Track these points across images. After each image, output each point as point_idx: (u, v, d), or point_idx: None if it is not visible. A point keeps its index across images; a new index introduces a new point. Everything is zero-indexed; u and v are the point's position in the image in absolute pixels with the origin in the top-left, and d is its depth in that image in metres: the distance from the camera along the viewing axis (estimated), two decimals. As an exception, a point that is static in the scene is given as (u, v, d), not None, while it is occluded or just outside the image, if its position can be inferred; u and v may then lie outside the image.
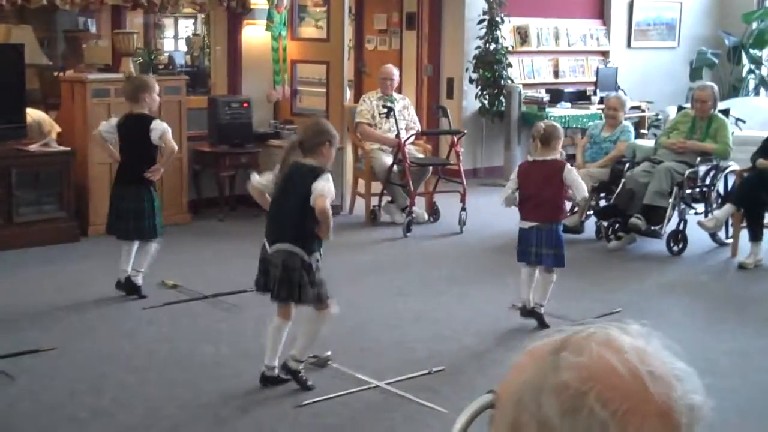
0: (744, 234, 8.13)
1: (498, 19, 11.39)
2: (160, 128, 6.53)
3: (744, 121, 11.06)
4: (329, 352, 5.48)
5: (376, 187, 9.43)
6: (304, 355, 5.12)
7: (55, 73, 9.54)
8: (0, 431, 4.64)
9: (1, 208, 7.89)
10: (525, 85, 11.89)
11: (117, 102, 8.46)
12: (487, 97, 11.58)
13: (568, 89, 12.37)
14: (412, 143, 9.37)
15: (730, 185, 8.78)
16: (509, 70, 11.63)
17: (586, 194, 6.38)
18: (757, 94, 14.07)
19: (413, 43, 12.36)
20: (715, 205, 8.53)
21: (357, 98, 11.08)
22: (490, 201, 10.39)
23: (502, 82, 11.51)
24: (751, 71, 14.11)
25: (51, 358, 5.51)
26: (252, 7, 9.75)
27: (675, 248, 8.27)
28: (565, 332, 1.12)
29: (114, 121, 6.72)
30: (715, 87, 8.71)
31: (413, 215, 8.97)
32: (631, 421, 1.02)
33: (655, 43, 13.90)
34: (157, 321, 6.25)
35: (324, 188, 4.85)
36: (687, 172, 8.26)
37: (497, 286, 7.23)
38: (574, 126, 11.90)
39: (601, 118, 10.36)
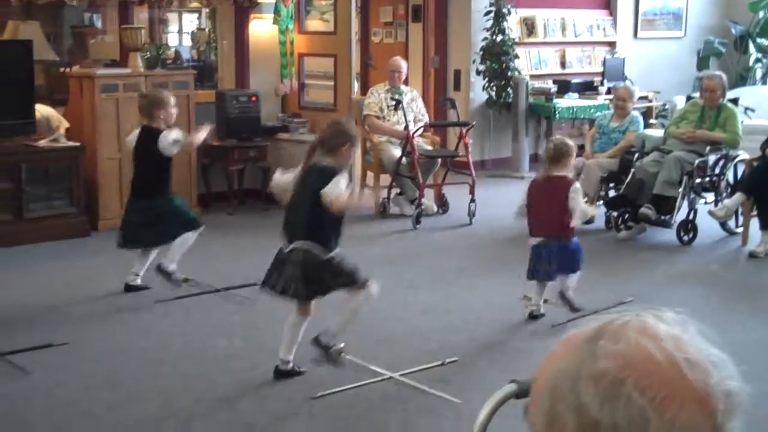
0: (754, 222, 8.12)
1: (505, 10, 11.38)
2: (167, 138, 6.47)
3: (753, 110, 11.04)
4: (342, 344, 5.48)
5: (385, 179, 9.44)
6: (339, 334, 5.11)
7: (61, 69, 9.55)
8: (16, 426, 4.66)
9: (11, 204, 7.91)
10: (532, 77, 11.89)
11: (125, 97, 8.51)
12: (494, 88, 11.57)
13: (575, 80, 12.36)
14: (421, 135, 9.37)
15: (739, 174, 8.78)
16: (516, 61, 11.62)
17: (584, 216, 6.35)
18: (764, 83, 14.03)
19: (419, 35, 12.34)
20: (724, 195, 8.52)
21: (363, 91, 11.07)
22: (498, 192, 10.42)
23: (509, 73, 11.50)
24: (758, 60, 14.08)
25: (64, 353, 5.52)
26: (259, 0, 9.75)
27: (685, 238, 8.27)
28: (600, 321, 1.13)
29: (137, 131, 6.71)
30: (724, 76, 8.70)
31: (422, 207, 8.98)
32: (669, 407, 1.03)
33: (661, 33, 13.88)
34: (169, 315, 6.27)
35: (333, 193, 4.85)
36: (696, 161, 8.25)
37: (508, 276, 7.22)
38: (582, 117, 11.91)
39: (608, 109, 10.36)
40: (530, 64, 12.32)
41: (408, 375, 5.20)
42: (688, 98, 9.99)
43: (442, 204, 9.52)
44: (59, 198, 8.19)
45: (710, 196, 8.57)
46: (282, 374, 5.14)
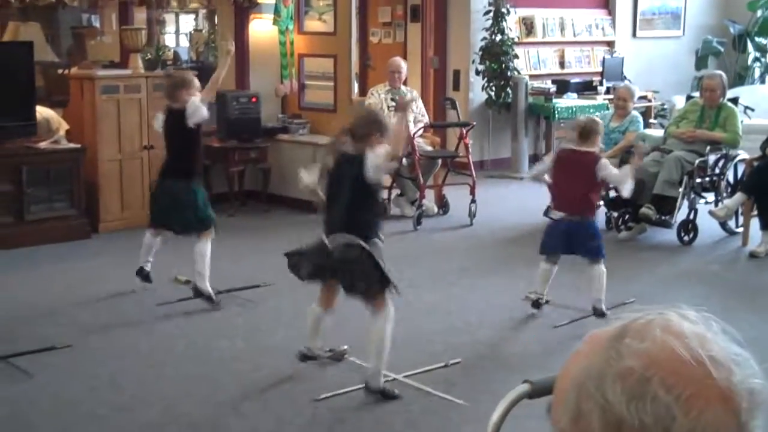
0: (754, 222, 8.14)
1: (504, 10, 11.38)
2: (193, 104, 6.29)
3: (753, 110, 11.05)
4: (346, 346, 5.50)
5: (386, 180, 9.42)
6: (380, 365, 4.90)
7: (60, 70, 9.55)
8: (21, 428, 4.66)
9: (12, 206, 7.90)
10: (531, 76, 11.90)
11: (126, 98, 8.51)
12: (493, 88, 11.58)
13: (575, 80, 12.37)
14: (421, 136, 9.38)
15: (740, 174, 8.79)
16: (515, 61, 11.63)
17: (626, 188, 6.30)
18: (762, 82, 14.05)
19: (418, 35, 12.34)
20: (725, 194, 8.53)
21: (362, 91, 11.08)
22: (498, 193, 10.44)
23: (509, 73, 11.51)
24: (756, 59, 14.10)
25: (67, 355, 5.52)
26: (259, 1, 9.75)
27: (686, 238, 8.28)
28: (624, 319, 1.13)
29: (161, 116, 6.60)
30: (724, 76, 8.71)
31: (423, 208, 8.98)
32: (694, 405, 1.03)
33: (660, 33, 13.89)
34: (172, 317, 6.26)
35: (374, 152, 4.81)
36: (697, 161, 8.27)
37: (509, 277, 7.24)
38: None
39: (608, 108, 10.38)
40: (529, 63, 12.33)
41: (411, 376, 5.20)
42: (688, 98, 9.99)
43: (443, 205, 9.53)
44: (60, 200, 8.18)
45: (710, 196, 8.58)
46: (306, 357, 5.21)
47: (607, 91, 11.97)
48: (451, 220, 9.24)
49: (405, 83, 9.89)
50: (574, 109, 11.68)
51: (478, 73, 11.61)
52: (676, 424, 1.02)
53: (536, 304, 6.30)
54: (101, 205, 8.47)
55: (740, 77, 13.73)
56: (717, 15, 14.35)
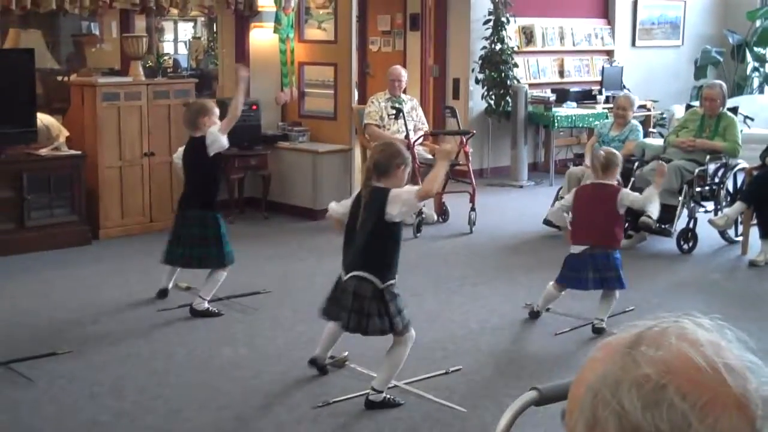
0: (754, 231, 8.16)
1: (503, 19, 11.41)
2: (213, 134, 6.30)
3: (752, 119, 11.07)
4: (347, 353, 5.51)
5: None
6: (384, 385, 4.95)
7: (60, 78, 9.56)
8: (23, 434, 4.67)
9: (12, 213, 7.91)
10: (531, 85, 11.92)
11: (126, 105, 8.52)
12: (493, 97, 11.61)
13: (574, 89, 12.40)
14: (421, 144, 9.39)
15: (739, 183, 8.81)
16: (515, 70, 11.65)
17: (653, 209, 6.34)
18: (761, 91, 14.08)
19: (417, 44, 12.38)
20: (724, 203, 8.56)
21: (361, 99, 11.10)
22: (498, 201, 10.46)
23: (508, 82, 11.54)
24: (755, 69, 14.13)
25: (69, 361, 5.53)
26: (259, 9, 9.77)
27: (685, 246, 8.30)
28: (638, 327, 1.14)
29: (182, 148, 6.60)
30: (724, 85, 8.74)
31: (423, 216, 8.99)
32: (710, 413, 1.04)
33: (659, 42, 13.92)
34: (172, 323, 6.27)
35: (403, 191, 4.80)
36: (696, 170, 8.30)
37: (510, 285, 7.26)
38: (581, 126, 11.94)
39: (607, 117, 10.40)
40: (529, 72, 12.35)
41: (413, 384, 5.21)
42: (688, 107, 10.02)
43: (443, 213, 9.54)
44: (60, 206, 8.19)
45: (710, 205, 8.61)
46: (314, 362, 5.24)
47: (607, 100, 12.00)
48: (451, 228, 9.26)
49: (405, 91, 9.91)
50: (573, 118, 11.70)
51: (477, 81, 11.64)
52: (692, 431, 1.03)
53: (534, 314, 6.34)
54: (101, 211, 8.48)
55: (739, 87, 13.76)
56: (716, 25, 14.39)
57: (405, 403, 4.98)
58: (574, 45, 12.89)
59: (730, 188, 8.80)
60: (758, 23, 14.00)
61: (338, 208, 5.17)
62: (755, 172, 8.28)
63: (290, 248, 8.43)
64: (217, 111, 6.47)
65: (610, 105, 10.76)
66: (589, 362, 1.16)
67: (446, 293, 7.03)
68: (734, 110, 9.27)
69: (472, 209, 9.06)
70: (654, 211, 6.36)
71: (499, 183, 11.45)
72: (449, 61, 12.00)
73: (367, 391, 4.99)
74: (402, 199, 4.77)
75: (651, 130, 11.88)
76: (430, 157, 9.51)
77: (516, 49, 11.84)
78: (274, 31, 9.74)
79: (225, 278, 6.45)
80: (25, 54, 8.13)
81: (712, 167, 8.48)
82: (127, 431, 4.69)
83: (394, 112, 9.20)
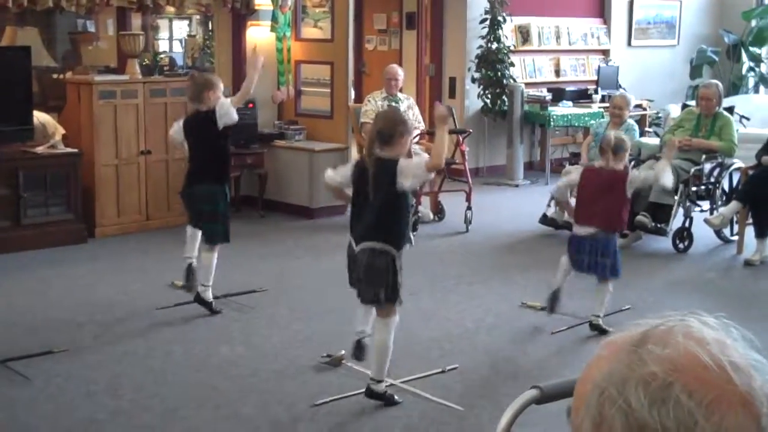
0: (749, 231, 8.17)
1: (500, 18, 11.42)
2: (224, 106, 6.22)
3: (748, 119, 11.09)
4: (343, 352, 5.51)
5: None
6: (381, 373, 4.94)
7: (55, 75, 9.54)
8: (20, 432, 4.67)
9: (8, 210, 7.90)
10: (527, 84, 11.93)
11: (123, 104, 8.51)
12: (489, 96, 11.61)
13: (570, 88, 12.41)
14: (417, 143, 9.38)
15: (735, 182, 8.83)
16: (511, 69, 11.66)
17: (666, 179, 6.33)
18: (756, 91, 14.10)
19: (413, 43, 12.39)
20: (720, 203, 8.58)
21: (357, 98, 11.10)
22: (494, 199, 10.46)
23: (505, 81, 11.54)
24: (751, 69, 14.14)
25: (65, 359, 5.52)
26: (256, 8, 9.77)
27: (681, 246, 8.32)
28: (644, 325, 1.14)
29: (181, 122, 6.52)
30: (720, 85, 8.76)
31: (419, 214, 9.00)
32: (716, 410, 1.04)
33: (655, 42, 13.94)
34: (169, 321, 6.26)
35: (412, 163, 4.80)
36: (692, 169, 8.32)
37: (506, 284, 7.27)
38: (576, 125, 11.94)
39: (602, 117, 10.41)
40: (525, 72, 12.36)
41: (409, 382, 5.21)
42: (684, 106, 10.03)
43: (439, 211, 9.55)
44: (57, 204, 8.18)
45: (706, 204, 8.62)
46: (375, 396, 4.99)
47: (602, 100, 12.01)
48: (447, 227, 9.26)
49: (401, 90, 9.91)
50: (569, 117, 11.71)
51: (473, 80, 11.64)
52: (698, 428, 1.04)
53: (554, 296, 6.25)
54: (98, 209, 8.47)
55: (735, 87, 13.77)
56: (712, 25, 14.41)
57: (402, 402, 4.98)
58: (570, 44, 12.90)
59: (726, 188, 8.82)
60: (754, 23, 14.02)
61: (335, 176, 5.13)
62: (751, 172, 8.29)
63: (286, 247, 8.43)
64: (221, 86, 6.41)
65: (606, 104, 10.77)
66: (595, 360, 1.16)
67: (442, 292, 7.03)
68: (730, 110, 9.28)
69: (468, 208, 9.06)
70: (668, 182, 6.33)
71: (495, 182, 11.46)
72: (445, 60, 12.00)
73: (363, 390, 5.00)
74: (412, 170, 4.77)
75: (647, 129, 11.90)
76: (426, 156, 9.51)
77: (512, 48, 11.84)
78: (271, 30, 9.74)
79: (222, 277, 6.43)
80: (21, 51, 8.12)
81: (707, 167, 8.50)
82: (124, 430, 4.69)
83: (390, 110, 9.19)
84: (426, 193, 9.39)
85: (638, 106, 12.04)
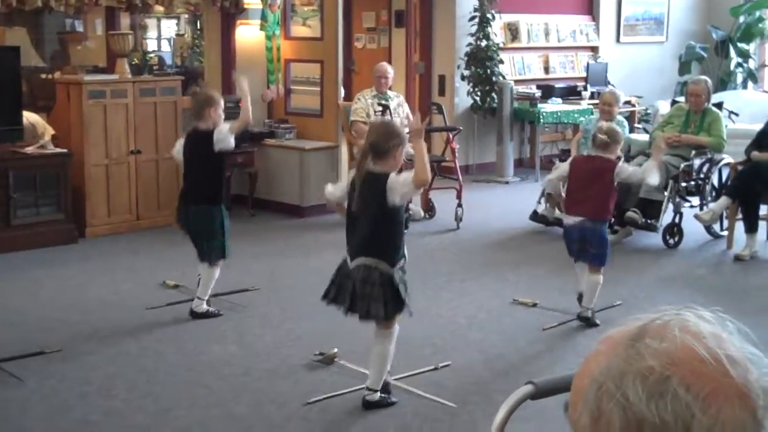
0: (739, 226, 8.20)
1: (489, 15, 11.43)
2: (222, 131, 6.20)
3: (737, 114, 11.13)
4: (336, 350, 5.52)
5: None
6: (377, 383, 4.91)
7: (44, 75, 9.53)
8: (13, 433, 4.66)
9: (-2, 211, 7.88)
10: (516, 82, 11.95)
11: (112, 103, 8.50)
12: (478, 93, 11.63)
13: (559, 85, 12.44)
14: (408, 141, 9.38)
15: (724, 178, 8.86)
16: (500, 66, 11.68)
17: (652, 178, 6.33)
18: (745, 87, 14.15)
19: (402, 41, 12.38)
20: (709, 198, 8.61)
21: (347, 97, 11.09)
22: (484, 197, 10.48)
23: (494, 78, 11.56)
24: (739, 65, 14.19)
25: (58, 360, 5.51)
26: (245, 6, 9.76)
27: (671, 241, 8.34)
28: (641, 320, 1.15)
29: (182, 140, 6.49)
30: (709, 81, 8.78)
31: (410, 212, 9.00)
32: (713, 403, 1.05)
33: (643, 38, 13.97)
34: (161, 321, 6.26)
35: (399, 180, 4.74)
36: (682, 165, 8.34)
37: (497, 280, 7.28)
38: (566, 121, 11.97)
39: (592, 113, 10.44)
40: (514, 69, 12.38)
41: (402, 380, 5.22)
42: (673, 102, 10.06)
43: (429, 209, 9.56)
44: (47, 205, 8.16)
45: (695, 200, 8.65)
46: (370, 405, 4.93)
47: (592, 96, 12.04)
48: (438, 224, 9.27)
49: (390, 88, 9.91)
50: (558, 114, 11.74)
51: (463, 78, 11.66)
52: (695, 421, 1.05)
53: (581, 297, 6.29)
54: (88, 209, 8.46)
55: (723, 82, 13.82)
56: (700, 21, 14.45)
57: (399, 401, 4.98)
58: (559, 41, 12.92)
59: (716, 183, 8.85)
60: (741, 19, 14.07)
61: (335, 191, 5.11)
62: (740, 167, 8.32)
63: (277, 245, 8.43)
64: (222, 103, 6.39)
65: (596, 101, 10.80)
66: (593, 355, 1.17)
67: (434, 289, 7.04)
68: (719, 106, 9.31)
69: (459, 205, 9.07)
70: (654, 180, 6.34)
71: (485, 179, 11.47)
72: (435, 58, 12.02)
73: (357, 387, 5.01)
74: (400, 188, 4.73)
75: (636, 125, 11.93)
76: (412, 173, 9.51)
77: (501, 45, 11.86)
78: (261, 29, 9.73)
79: (213, 282, 6.41)
80: (10, 52, 8.09)
81: (697, 162, 8.52)
82: (117, 430, 4.69)
83: (380, 108, 9.19)
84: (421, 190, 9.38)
85: (627, 102, 12.08)
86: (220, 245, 6.33)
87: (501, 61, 11.67)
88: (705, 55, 13.89)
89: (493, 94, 11.58)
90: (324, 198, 5.29)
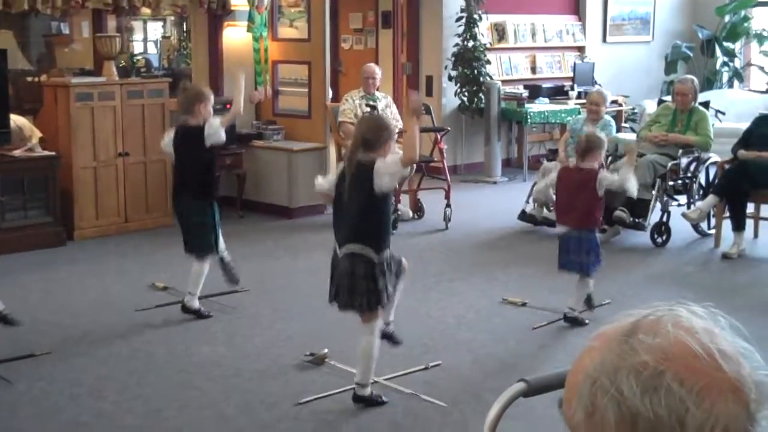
0: (726, 224, 8.23)
1: (476, 16, 11.45)
2: (212, 125, 6.19)
3: (724, 113, 11.18)
4: (326, 350, 5.52)
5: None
6: (366, 378, 4.93)
7: (30, 78, 9.51)
8: (4, 436, 4.65)
9: (-14, 214, 7.87)
10: (503, 82, 11.96)
11: (100, 106, 8.48)
12: (466, 94, 11.65)
13: (546, 85, 12.46)
14: (396, 141, 9.39)
15: (711, 176, 8.90)
16: (488, 66, 11.70)
17: (630, 186, 6.32)
18: (731, 86, 14.20)
19: (389, 41, 12.39)
20: (697, 197, 8.64)
21: (334, 98, 11.10)
22: (472, 197, 10.50)
23: (481, 79, 11.58)
24: (725, 64, 14.24)
25: (47, 362, 5.51)
26: (232, 8, 9.75)
27: (659, 240, 8.37)
28: (634, 316, 1.16)
29: (171, 133, 6.46)
30: (696, 80, 8.83)
31: (398, 212, 9.01)
32: (706, 397, 1.07)
33: (629, 38, 14.01)
34: (150, 323, 6.25)
35: (387, 161, 4.75)
36: (669, 164, 8.38)
37: (486, 280, 7.30)
38: (553, 121, 12.00)
39: (579, 113, 10.46)
40: (501, 69, 12.40)
41: (393, 379, 5.23)
42: (660, 102, 10.10)
43: (418, 209, 9.57)
44: (35, 208, 8.15)
45: (683, 199, 8.68)
46: (361, 399, 4.96)
47: (579, 96, 12.07)
48: (427, 225, 9.28)
49: (378, 89, 9.92)
50: (546, 113, 11.77)
51: (450, 78, 11.67)
52: (689, 415, 1.06)
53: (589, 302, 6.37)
54: (76, 212, 8.44)
55: (709, 82, 13.87)
56: (686, 20, 14.50)
57: (390, 401, 4.99)
58: (545, 41, 12.95)
59: (703, 182, 8.89)
60: (727, 18, 14.12)
61: (324, 183, 5.15)
62: (727, 166, 8.36)
63: (266, 247, 8.43)
64: (212, 99, 6.38)
65: (583, 101, 10.83)
66: (587, 351, 1.18)
67: (423, 290, 7.05)
68: (706, 105, 9.35)
69: (447, 205, 9.09)
70: (633, 188, 6.37)
71: (473, 179, 11.49)
72: (422, 59, 12.03)
73: (348, 387, 5.01)
74: (388, 169, 4.75)
75: (623, 125, 11.96)
76: (400, 153, 9.53)
77: (488, 45, 11.89)
78: (248, 30, 9.72)
79: (204, 277, 6.42)
80: (-3, 55, 8.08)
81: (684, 161, 8.56)
82: (108, 431, 4.68)
83: (368, 109, 9.20)
84: (405, 191, 9.41)
85: (614, 102, 12.10)
86: (211, 241, 6.33)
87: (488, 62, 11.69)
88: (691, 55, 13.94)
89: (481, 95, 11.60)
90: (314, 190, 5.30)
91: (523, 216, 8.92)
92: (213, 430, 4.72)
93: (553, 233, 7.35)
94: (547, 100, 12.11)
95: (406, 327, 6.15)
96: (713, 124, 8.85)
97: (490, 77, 11.72)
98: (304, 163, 9.53)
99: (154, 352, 5.72)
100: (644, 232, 8.37)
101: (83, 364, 5.51)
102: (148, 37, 12.46)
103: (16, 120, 8.19)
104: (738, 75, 14.28)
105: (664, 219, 8.43)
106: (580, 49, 13.34)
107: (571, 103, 11.99)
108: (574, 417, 1.15)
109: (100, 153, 8.55)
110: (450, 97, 11.79)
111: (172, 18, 11.10)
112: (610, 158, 8.59)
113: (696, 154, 8.59)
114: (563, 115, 11.61)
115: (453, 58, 11.58)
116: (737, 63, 14.36)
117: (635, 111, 13.04)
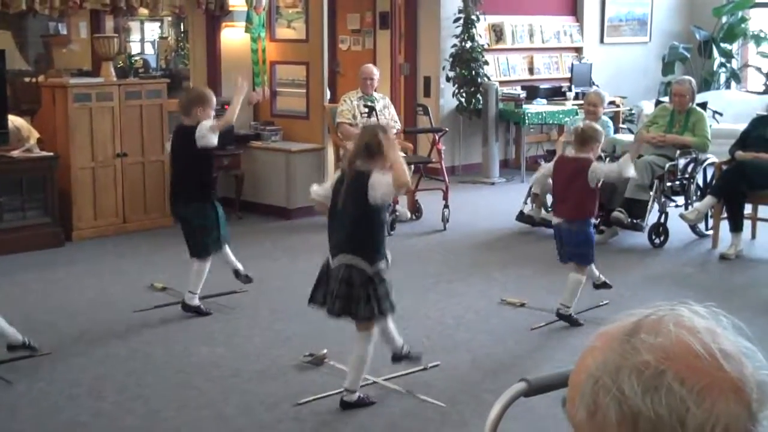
0: (724, 225, 8.25)
1: (473, 17, 11.46)
2: (204, 127, 6.16)
3: (721, 114, 11.19)
4: (325, 350, 5.53)
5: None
6: (355, 384, 4.94)
7: (28, 79, 9.50)
8: (3, 436, 4.66)
9: (-16, 215, 7.87)
10: (501, 83, 11.97)
11: (98, 106, 8.49)
12: (464, 95, 11.66)
13: (544, 86, 12.47)
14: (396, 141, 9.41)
15: (709, 177, 8.91)
16: (485, 67, 11.71)
17: (630, 169, 6.31)
18: (728, 87, 14.22)
19: (387, 42, 12.40)
20: (694, 198, 8.65)
21: (332, 98, 11.10)
22: (470, 198, 10.50)
23: (479, 79, 11.59)
24: (722, 65, 14.26)
25: (47, 363, 5.51)
26: (230, 9, 9.76)
27: (657, 241, 8.38)
28: (636, 316, 1.17)
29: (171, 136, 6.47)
30: (693, 81, 8.84)
31: (396, 213, 9.02)
32: (707, 396, 1.07)
33: (627, 39, 14.03)
34: (149, 324, 6.26)
35: (382, 179, 4.75)
36: (667, 165, 8.39)
37: (485, 281, 7.30)
38: (551, 122, 12.01)
39: (577, 114, 10.48)
40: (499, 70, 12.41)
41: (391, 380, 5.24)
42: (657, 103, 10.11)
43: (416, 210, 9.58)
44: (33, 208, 8.15)
45: (681, 200, 8.70)
46: (348, 405, 4.95)
47: (576, 97, 12.09)
48: (425, 225, 9.29)
49: (376, 90, 9.92)
50: (543, 114, 11.78)
51: (448, 79, 11.68)
52: (690, 414, 1.07)
53: (597, 285, 6.53)
54: (74, 213, 8.44)
55: (706, 82, 13.88)
56: (683, 21, 14.52)
57: (377, 402, 4.99)
58: (543, 42, 12.96)
59: (701, 183, 8.90)
60: (724, 19, 14.14)
61: (320, 190, 5.14)
62: (725, 167, 8.37)
63: (265, 248, 8.44)
64: (213, 103, 6.36)
65: (580, 101, 10.84)
66: (589, 350, 1.19)
67: (421, 290, 7.06)
68: (703, 105, 9.37)
69: (446, 206, 9.10)
70: (630, 172, 6.35)
71: (470, 180, 11.50)
72: (420, 59, 12.04)
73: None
74: (382, 186, 4.76)
75: (620, 126, 11.97)
76: (402, 154, 9.50)
77: (486, 46, 11.90)
78: (246, 31, 9.73)
79: (204, 276, 6.42)
80: (-5, 55, 8.08)
81: (682, 162, 8.57)
82: (107, 431, 4.69)
83: (366, 110, 9.21)
84: (403, 192, 9.41)
85: (611, 103, 12.11)
86: (211, 241, 6.34)
87: (486, 63, 11.70)
88: (688, 56, 13.96)
89: (479, 96, 11.61)
90: (309, 198, 5.30)
91: (521, 217, 8.93)
92: (212, 431, 4.72)
93: (551, 234, 7.38)
94: (544, 101, 12.13)
95: (405, 328, 6.15)
96: (711, 125, 8.85)
97: (488, 78, 11.73)
98: (302, 164, 9.54)
99: (153, 352, 5.73)
100: (642, 233, 8.37)
101: (82, 364, 5.52)
102: (146, 38, 12.45)
103: (14, 120, 8.19)
104: (735, 76, 14.30)
105: (662, 220, 8.44)
106: (578, 50, 13.35)
107: (569, 104, 12.00)
108: (577, 416, 1.16)
109: (98, 154, 8.55)
110: (448, 97, 11.80)
111: (170, 18, 11.10)
112: (608, 159, 8.60)
113: (693, 155, 8.60)
114: (561, 115, 11.62)
115: (451, 59, 11.59)
116: (734, 64, 14.38)
117: (633, 112, 13.05)
